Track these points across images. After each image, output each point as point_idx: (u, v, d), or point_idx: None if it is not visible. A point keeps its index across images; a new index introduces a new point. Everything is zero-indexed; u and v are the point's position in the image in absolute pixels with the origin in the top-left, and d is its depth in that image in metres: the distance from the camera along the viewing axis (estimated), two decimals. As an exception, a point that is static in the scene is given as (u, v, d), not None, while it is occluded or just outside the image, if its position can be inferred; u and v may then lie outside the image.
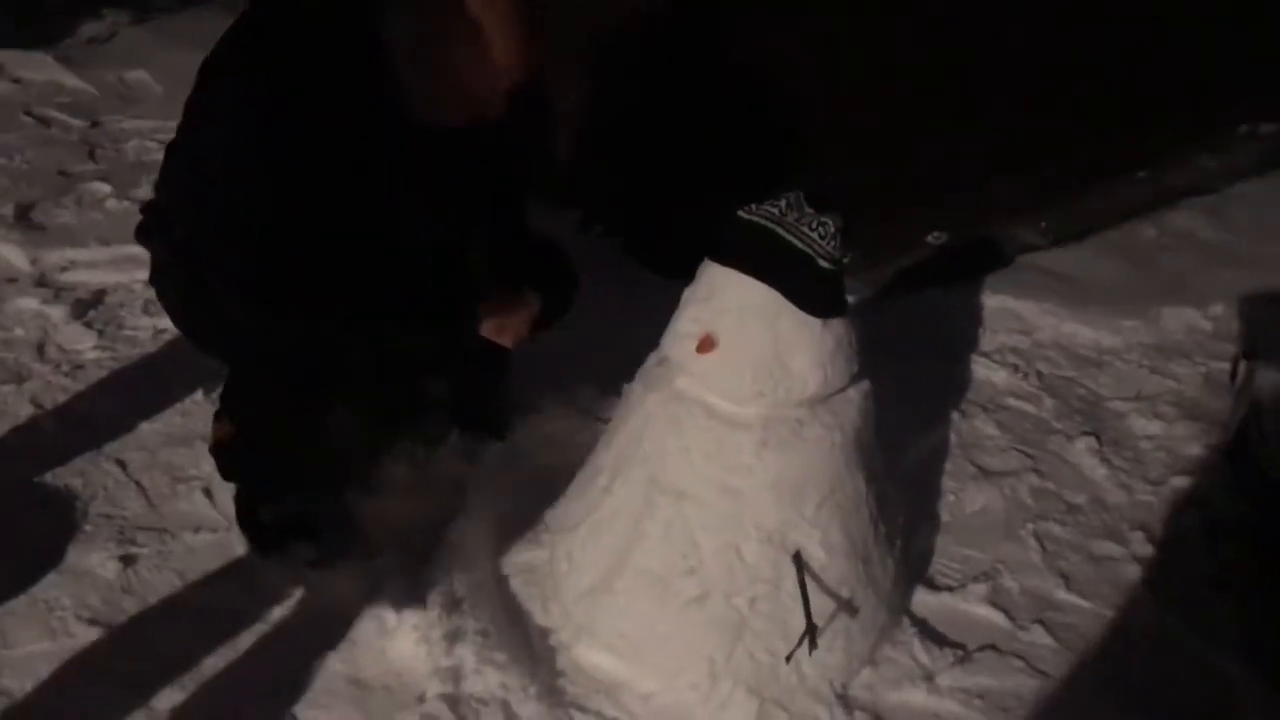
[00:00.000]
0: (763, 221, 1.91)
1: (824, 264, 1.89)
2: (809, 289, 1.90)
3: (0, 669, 1.93)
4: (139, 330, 2.80)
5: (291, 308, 1.82)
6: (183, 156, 1.93)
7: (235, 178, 1.77)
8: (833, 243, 1.90)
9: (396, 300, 1.90)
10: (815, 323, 1.91)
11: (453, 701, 1.90)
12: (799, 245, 1.89)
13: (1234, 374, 2.56)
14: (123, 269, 2.98)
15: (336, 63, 1.75)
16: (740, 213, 1.95)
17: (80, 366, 2.67)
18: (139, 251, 2.12)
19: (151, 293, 2.25)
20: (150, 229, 2.05)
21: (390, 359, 2.06)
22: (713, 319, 1.92)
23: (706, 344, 1.92)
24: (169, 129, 1.93)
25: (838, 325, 1.94)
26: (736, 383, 1.91)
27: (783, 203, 1.92)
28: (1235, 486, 2.47)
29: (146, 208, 2.09)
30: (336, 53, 1.76)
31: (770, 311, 1.89)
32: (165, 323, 2.69)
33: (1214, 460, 2.58)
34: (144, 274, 2.15)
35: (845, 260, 1.92)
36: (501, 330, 2.05)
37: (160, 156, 1.99)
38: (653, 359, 2.08)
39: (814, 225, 1.90)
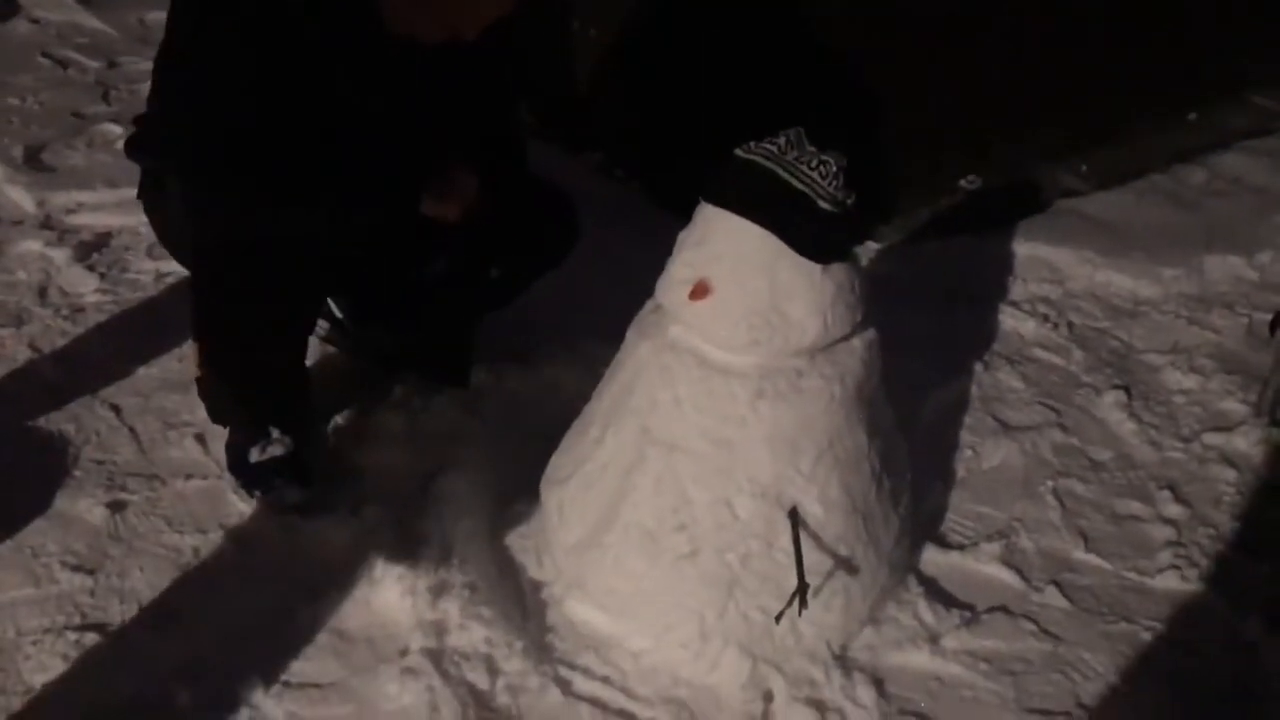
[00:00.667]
0: (760, 160, 1.81)
1: (824, 205, 1.78)
2: (808, 232, 1.79)
3: (-18, 614, 1.91)
4: (142, 274, 2.76)
5: (244, 184, 1.82)
6: (169, 62, 1.91)
7: (204, 53, 1.78)
8: (834, 183, 1.79)
9: (344, 180, 1.89)
10: (815, 268, 1.80)
11: (435, 656, 1.85)
12: (798, 185, 1.78)
13: (1274, 326, 2.42)
14: (129, 212, 2.89)
15: None
16: (736, 151, 1.84)
17: (81, 310, 2.63)
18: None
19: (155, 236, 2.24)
20: (140, 141, 2.04)
21: (338, 249, 2.01)
22: (707, 264, 1.83)
23: (700, 290, 1.82)
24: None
25: (839, 271, 1.84)
26: (731, 331, 1.82)
27: (782, 140, 1.81)
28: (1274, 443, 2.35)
29: (138, 120, 2.07)
30: None
31: (767, 256, 1.79)
32: (168, 266, 2.67)
33: (1252, 416, 2.44)
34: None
35: (848, 202, 1.81)
36: (440, 206, 2.01)
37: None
38: (648, 306, 1.99)
39: (815, 164, 1.79)
